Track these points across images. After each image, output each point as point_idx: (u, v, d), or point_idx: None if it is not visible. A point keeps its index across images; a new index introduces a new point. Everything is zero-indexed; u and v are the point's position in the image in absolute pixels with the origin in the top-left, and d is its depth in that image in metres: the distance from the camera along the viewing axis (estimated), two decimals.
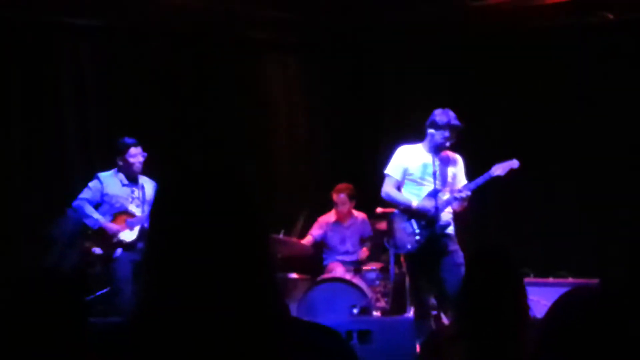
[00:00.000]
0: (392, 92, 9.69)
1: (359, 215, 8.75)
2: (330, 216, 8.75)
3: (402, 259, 7.47)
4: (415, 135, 7.04)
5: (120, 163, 7.44)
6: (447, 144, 6.94)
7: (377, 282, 8.05)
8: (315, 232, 8.71)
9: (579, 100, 8.56)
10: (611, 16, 8.19)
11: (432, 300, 7.13)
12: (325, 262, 8.60)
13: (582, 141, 8.50)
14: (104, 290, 7.33)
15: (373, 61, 9.70)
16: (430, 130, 6.90)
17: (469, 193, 6.88)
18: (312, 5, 9.01)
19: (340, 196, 8.58)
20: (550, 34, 8.62)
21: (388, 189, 7.08)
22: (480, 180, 6.90)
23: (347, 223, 8.72)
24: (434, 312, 7.16)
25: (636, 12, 8.00)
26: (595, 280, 7.41)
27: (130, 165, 7.41)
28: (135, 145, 7.40)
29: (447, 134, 6.87)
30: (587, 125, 8.51)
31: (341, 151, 9.63)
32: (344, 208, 8.62)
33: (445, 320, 6.91)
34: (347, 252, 8.60)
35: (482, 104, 8.89)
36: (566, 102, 8.60)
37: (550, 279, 7.79)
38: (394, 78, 9.64)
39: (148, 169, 7.49)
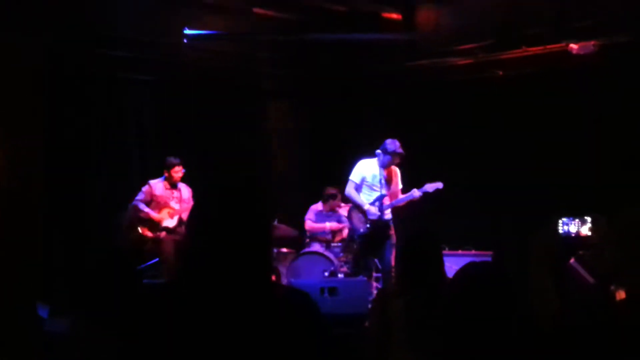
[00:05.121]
0: (352, 126, 9.49)
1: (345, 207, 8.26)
2: (318, 206, 8.46)
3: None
4: (369, 154, 6.99)
5: (166, 174, 7.42)
6: (393, 164, 6.91)
7: (341, 254, 8.00)
8: (311, 216, 8.42)
9: (475, 129, 8.38)
10: (501, 73, 8.20)
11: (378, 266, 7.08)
12: (306, 240, 8.43)
13: (482, 164, 8.35)
14: (154, 261, 7.28)
15: (343, 105, 9.47)
16: (382, 153, 6.85)
17: (420, 194, 6.83)
18: (303, 67, 9.05)
19: (339, 195, 8.15)
20: (459, 85, 8.52)
21: (350, 190, 7.04)
22: (419, 192, 6.82)
23: (329, 213, 8.42)
24: (377, 275, 7.13)
25: (519, 70, 7.97)
26: (490, 252, 7.49)
27: (174, 176, 7.41)
28: (178, 164, 7.39)
29: (392, 158, 6.83)
30: (480, 148, 8.30)
31: (318, 165, 9.48)
32: (337, 203, 8.34)
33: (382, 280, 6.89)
34: (323, 233, 8.46)
35: (417, 137, 8.74)
36: (469, 131, 8.45)
37: (460, 251, 7.75)
38: (354, 115, 9.45)
39: (184, 178, 7.49)
